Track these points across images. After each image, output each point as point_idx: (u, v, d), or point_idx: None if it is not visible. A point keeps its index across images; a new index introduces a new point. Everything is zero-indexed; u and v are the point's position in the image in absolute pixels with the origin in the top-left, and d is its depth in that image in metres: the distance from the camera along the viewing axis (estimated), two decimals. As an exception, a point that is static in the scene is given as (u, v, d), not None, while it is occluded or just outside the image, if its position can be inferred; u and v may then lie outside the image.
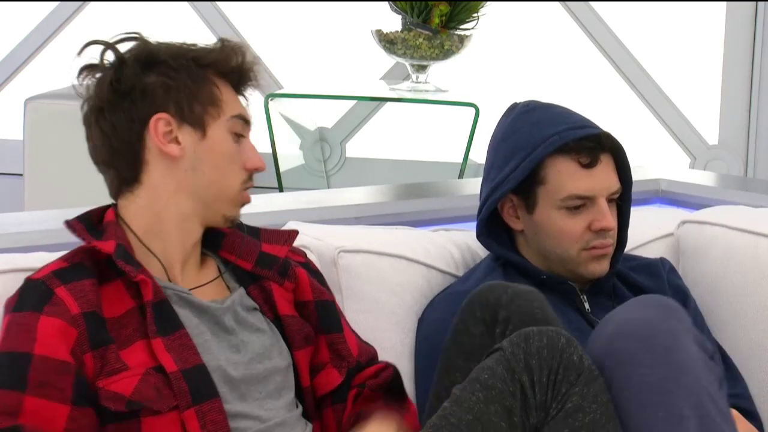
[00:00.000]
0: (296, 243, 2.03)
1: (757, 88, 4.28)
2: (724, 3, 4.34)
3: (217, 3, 4.74)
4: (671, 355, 1.63)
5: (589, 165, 1.94)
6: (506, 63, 4.47)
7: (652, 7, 4.48)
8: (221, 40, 1.69)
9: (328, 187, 4.38)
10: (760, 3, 4.24)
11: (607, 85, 4.50)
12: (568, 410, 1.58)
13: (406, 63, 3.77)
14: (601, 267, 1.97)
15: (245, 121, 1.70)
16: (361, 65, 4.54)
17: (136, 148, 1.64)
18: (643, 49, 4.48)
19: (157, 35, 1.69)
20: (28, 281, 1.60)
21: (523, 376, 1.58)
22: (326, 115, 4.55)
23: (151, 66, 1.64)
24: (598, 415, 1.59)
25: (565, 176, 1.94)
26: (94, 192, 4.56)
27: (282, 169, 4.00)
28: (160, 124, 1.63)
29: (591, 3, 4.46)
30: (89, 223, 1.68)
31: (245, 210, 2.39)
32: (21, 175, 4.02)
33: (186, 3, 4.78)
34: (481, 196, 2.02)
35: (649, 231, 2.25)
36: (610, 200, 1.97)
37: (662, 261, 2.12)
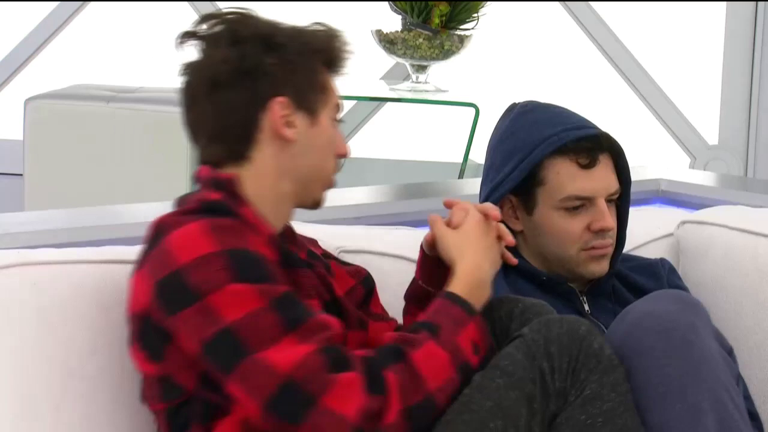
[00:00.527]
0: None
1: (757, 88, 4.28)
2: (725, 3, 4.34)
3: (217, 3, 4.75)
4: (691, 348, 1.64)
5: (588, 166, 1.94)
6: (506, 63, 4.47)
7: (653, 7, 4.48)
8: (321, 24, 1.71)
9: (329, 187, 4.37)
10: (760, 3, 4.24)
11: (607, 85, 4.51)
12: (586, 397, 1.58)
13: (406, 63, 3.77)
14: (601, 267, 1.97)
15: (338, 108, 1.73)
16: (361, 65, 4.54)
17: (250, 127, 1.64)
18: (643, 49, 4.49)
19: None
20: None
21: (543, 362, 1.58)
22: (326, 115, 4.55)
23: (272, 47, 1.64)
24: (617, 404, 1.59)
25: (564, 177, 1.94)
26: (94, 191, 4.57)
27: (282, 169, 4.00)
28: (279, 106, 1.64)
29: (591, 3, 4.46)
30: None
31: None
32: (21, 175, 4.02)
33: (186, 3, 4.78)
34: (480, 196, 2.02)
35: (649, 231, 2.25)
36: (609, 200, 1.97)
37: (662, 261, 2.12)
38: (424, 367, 1.55)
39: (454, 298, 1.64)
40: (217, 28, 1.66)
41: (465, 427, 1.55)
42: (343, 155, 1.71)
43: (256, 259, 1.55)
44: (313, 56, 1.68)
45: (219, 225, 1.57)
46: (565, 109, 1.99)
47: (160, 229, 1.61)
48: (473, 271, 1.67)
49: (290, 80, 1.64)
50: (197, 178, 1.70)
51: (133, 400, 1.76)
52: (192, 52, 1.67)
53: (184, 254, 1.55)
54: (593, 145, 1.94)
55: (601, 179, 1.94)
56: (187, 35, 1.68)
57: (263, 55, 1.64)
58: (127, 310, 1.62)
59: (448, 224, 1.72)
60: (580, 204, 1.94)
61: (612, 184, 1.96)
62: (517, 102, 2.03)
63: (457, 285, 1.65)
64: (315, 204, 1.72)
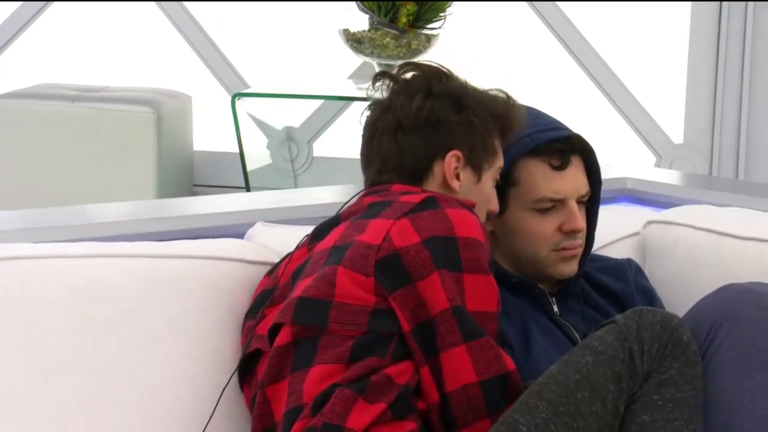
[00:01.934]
0: (260, 243, 2.03)
1: (721, 87, 4.31)
2: (689, 3, 4.37)
3: (184, 3, 4.72)
4: None
5: (561, 167, 1.95)
6: (473, 62, 4.48)
7: (619, 7, 4.51)
8: (503, 92, 1.87)
9: (296, 187, 4.37)
10: (724, 3, 4.27)
11: (574, 84, 4.53)
12: (663, 380, 1.64)
13: (374, 62, 3.77)
14: (571, 268, 1.98)
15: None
16: (329, 65, 4.54)
17: (425, 170, 1.82)
18: (610, 49, 4.51)
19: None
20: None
21: (634, 344, 1.64)
22: (293, 115, 4.55)
23: (460, 107, 1.82)
24: (689, 396, 1.64)
25: (537, 178, 1.94)
26: (59, 191, 4.54)
27: (249, 168, 4.00)
28: (453, 159, 1.81)
29: (558, 3, 4.48)
30: None
31: (212, 210, 2.39)
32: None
33: (153, 3, 4.75)
34: (450, 196, 2.02)
35: (615, 230, 2.26)
36: (579, 201, 1.97)
37: (629, 262, 2.13)
38: None
39: None
40: (414, 78, 1.84)
41: (553, 395, 1.61)
42: (494, 212, 1.89)
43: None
44: (490, 121, 1.84)
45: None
46: (537, 110, 2.00)
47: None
48: None
49: (467, 139, 1.82)
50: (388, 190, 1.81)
51: (111, 396, 1.76)
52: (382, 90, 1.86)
53: None
54: (565, 147, 1.95)
55: (572, 181, 1.95)
56: (386, 76, 1.86)
57: (450, 113, 1.82)
58: None
59: None
60: (552, 205, 1.95)
61: (583, 185, 1.97)
62: None
63: None
64: None
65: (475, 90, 1.86)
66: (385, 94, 1.86)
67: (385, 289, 1.67)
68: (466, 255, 1.69)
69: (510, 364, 1.69)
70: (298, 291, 1.73)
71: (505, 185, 1.95)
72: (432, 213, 1.71)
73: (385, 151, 1.82)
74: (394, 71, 1.87)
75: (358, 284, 1.68)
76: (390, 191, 1.79)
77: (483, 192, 1.84)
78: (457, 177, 1.82)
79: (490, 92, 1.87)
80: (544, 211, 1.95)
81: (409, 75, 1.85)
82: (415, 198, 1.73)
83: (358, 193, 1.84)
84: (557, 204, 1.95)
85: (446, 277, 1.67)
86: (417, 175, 1.81)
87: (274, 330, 1.73)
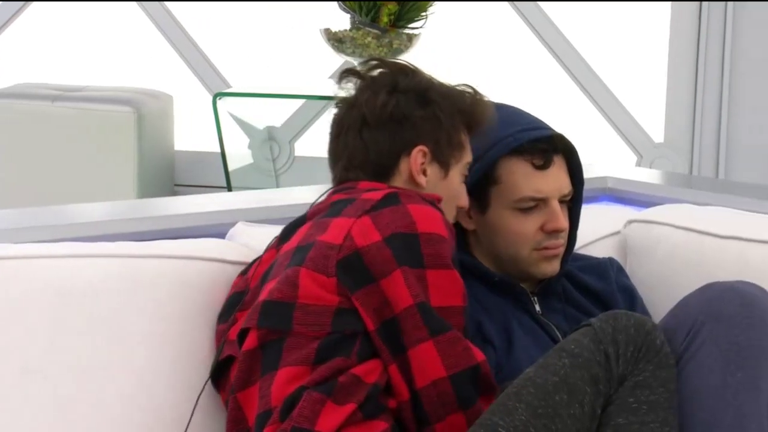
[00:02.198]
0: (242, 243, 2.02)
1: (701, 87, 4.33)
2: (669, 3, 4.38)
3: (165, 3, 4.71)
4: (765, 328, 1.69)
5: (543, 167, 1.95)
6: (455, 62, 4.48)
7: (600, 7, 4.52)
8: (469, 87, 1.86)
9: (277, 186, 4.37)
10: (704, 3, 4.29)
11: (555, 83, 4.53)
12: (638, 383, 1.64)
13: (355, 62, 3.77)
14: (552, 267, 1.98)
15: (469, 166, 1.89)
16: (310, 64, 4.53)
17: (390, 166, 1.81)
18: (591, 49, 4.52)
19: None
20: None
21: (609, 347, 1.64)
22: (275, 114, 4.54)
23: (424, 102, 1.82)
24: (663, 399, 1.65)
25: (519, 177, 1.94)
26: (40, 191, 4.51)
27: (231, 168, 3.99)
28: (419, 154, 1.81)
29: (539, 3, 4.49)
30: None
31: (193, 210, 2.38)
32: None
33: (134, 2, 4.74)
34: (432, 195, 2.02)
35: (596, 229, 2.26)
36: (561, 201, 1.98)
37: (610, 261, 2.13)
38: None
39: None
40: (380, 74, 1.84)
41: (532, 397, 1.61)
42: (464, 208, 1.89)
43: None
44: (457, 116, 1.84)
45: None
46: (519, 110, 2.00)
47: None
48: None
49: (433, 134, 1.81)
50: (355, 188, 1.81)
51: (89, 397, 1.75)
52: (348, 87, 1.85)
53: None
54: (548, 146, 1.95)
55: (554, 180, 1.95)
56: (352, 73, 1.85)
57: (415, 108, 1.81)
58: None
59: None
60: (534, 204, 1.95)
61: (565, 185, 1.97)
62: None
63: None
64: None
65: (441, 85, 1.85)
66: (353, 92, 1.85)
67: (348, 289, 1.67)
68: (428, 251, 1.68)
69: (479, 355, 1.69)
70: (263, 294, 1.73)
71: (487, 184, 1.95)
72: (393, 210, 1.70)
73: (350, 148, 1.81)
74: (360, 68, 1.86)
75: (321, 285, 1.67)
76: (356, 188, 1.79)
77: (451, 187, 1.84)
78: (424, 172, 1.81)
79: (457, 88, 1.86)
80: (526, 211, 1.95)
81: (376, 72, 1.84)
82: (377, 195, 1.73)
83: (326, 191, 1.84)
84: (539, 203, 1.95)
85: (409, 274, 1.67)
86: (383, 171, 1.81)
87: (243, 334, 1.73)
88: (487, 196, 1.96)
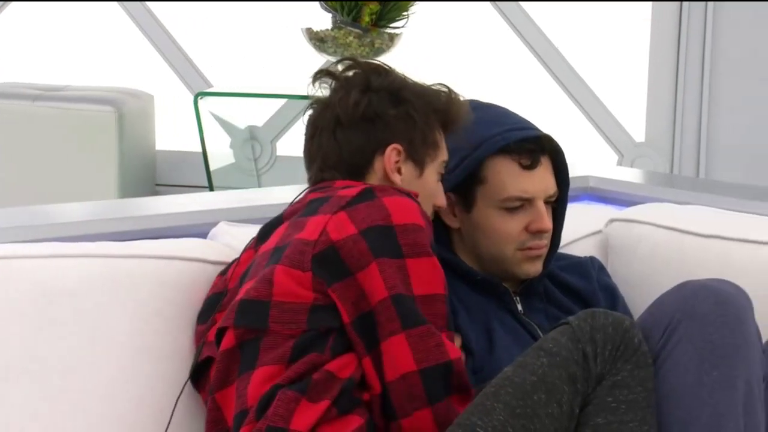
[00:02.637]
0: (223, 243, 2.02)
1: (682, 86, 4.34)
2: (650, 3, 4.40)
3: (147, 3, 4.70)
4: (740, 326, 1.69)
5: (530, 167, 1.95)
6: (437, 62, 4.49)
7: (581, 7, 4.53)
8: (445, 87, 1.86)
9: (259, 186, 4.36)
10: (684, 3, 4.30)
11: (537, 83, 4.54)
12: (616, 382, 1.64)
13: (337, 61, 3.77)
14: (535, 268, 1.98)
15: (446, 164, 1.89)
16: (292, 64, 4.53)
17: (364, 165, 1.81)
18: (572, 49, 4.53)
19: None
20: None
21: (587, 346, 1.64)
22: (256, 114, 4.53)
23: (398, 101, 1.82)
24: (640, 398, 1.65)
25: (506, 177, 1.95)
26: (20, 191, 4.48)
27: (212, 168, 3.98)
28: (393, 153, 1.81)
29: (521, 3, 4.50)
30: None
31: (174, 209, 2.37)
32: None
33: (115, 2, 4.72)
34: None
35: (578, 228, 2.27)
36: (546, 202, 1.98)
37: (592, 260, 2.14)
38: None
39: None
40: (354, 74, 1.84)
41: (510, 397, 1.61)
42: (440, 207, 1.88)
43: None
44: (431, 115, 1.84)
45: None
46: (507, 110, 2.00)
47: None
48: None
49: (406, 133, 1.81)
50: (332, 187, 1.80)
51: (69, 397, 1.74)
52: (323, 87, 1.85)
53: None
54: (535, 147, 1.95)
55: (541, 181, 1.95)
56: (325, 73, 1.85)
57: (388, 107, 1.81)
58: None
59: None
60: (520, 204, 1.95)
61: (551, 186, 1.97)
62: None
63: None
64: None
65: (415, 85, 1.85)
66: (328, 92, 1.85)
67: (324, 282, 1.66)
68: (406, 240, 1.68)
69: (453, 352, 1.68)
70: (241, 294, 1.73)
71: (473, 183, 1.95)
72: (368, 204, 1.70)
73: (325, 149, 1.82)
74: (334, 68, 1.86)
75: (296, 281, 1.67)
76: (332, 187, 1.79)
77: (426, 186, 1.83)
78: (399, 171, 1.81)
79: (432, 87, 1.86)
80: (511, 210, 1.95)
81: (350, 72, 1.84)
82: (352, 191, 1.73)
83: (302, 192, 1.84)
84: (525, 203, 1.95)
85: (386, 265, 1.66)
86: (358, 171, 1.81)
87: (220, 334, 1.73)
88: (472, 194, 1.96)
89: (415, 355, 1.64)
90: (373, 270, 1.66)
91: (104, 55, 4.77)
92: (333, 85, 1.84)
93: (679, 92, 4.35)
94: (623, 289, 2.14)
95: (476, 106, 1.99)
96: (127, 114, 4.20)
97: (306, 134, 1.85)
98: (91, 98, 4.23)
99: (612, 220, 2.30)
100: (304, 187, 1.86)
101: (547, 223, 1.96)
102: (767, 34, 4.25)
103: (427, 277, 1.69)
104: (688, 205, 2.42)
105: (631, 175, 3.04)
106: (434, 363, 1.65)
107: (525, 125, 1.97)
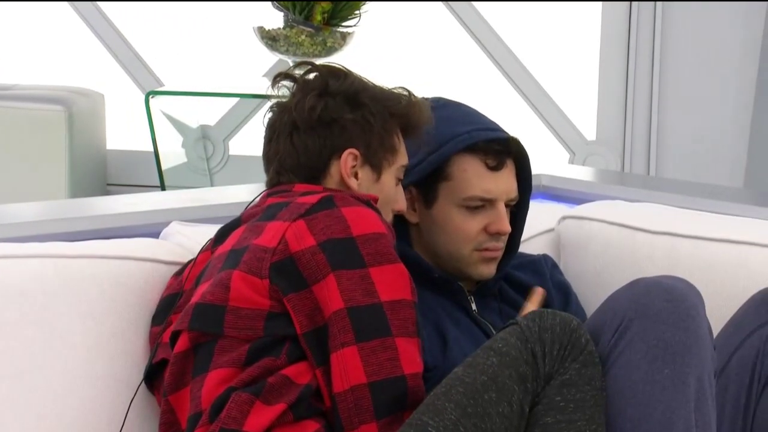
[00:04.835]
0: (176, 242, 2.01)
1: (632, 85, 4.38)
2: (600, 3, 4.43)
3: (98, 2, 4.66)
4: (692, 323, 1.70)
5: (495, 168, 1.95)
6: (389, 61, 4.49)
7: (532, 6, 4.56)
8: (406, 90, 1.86)
9: (212, 185, 4.34)
10: (634, 3, 4.34)
11: (489, 82, 4.56)
12: (564, 381, 1.65)
13: (289, 60, 3.76)
14: (489, 270, 1.99)
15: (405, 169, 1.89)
16: (243, 62, 4.51)
17: (321, 169, 1.80)
18: (524, 48, 4.55)
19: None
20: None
21: (536, 346, 1.64)
22: (208, 113, 4.51)
23: (355, 105, 1.80)
24: (589, 396, 1.65)
25: (471, 176, 1.95)
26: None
27: (164, 167, 3.95)
28: (350, 158, 1.80)
29: (473, 3, 4.51)
30: None
31: (126, 209, 2.36)
32: None
33: (65, 3, 4.68)
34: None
35: (531, 226, 2.28)
36: (507, 205, 1.99)
37: (545, 258, 2.15)
38: None
39: None
40: (312, 78, 1.83)
41: (461, 396, 1.60)
42: (399, 211, 1.88)
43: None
44: (390, 119, 1.82)
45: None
46: (476, 110, 2.01)
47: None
48: None
49: (363, 137, 1.80)
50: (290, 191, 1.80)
51: (19, 399, 1.73)
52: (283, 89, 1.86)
53: None
54: (503, 149, 1.96)
55: (504, 183, 1.96)
56: (284, 76, 1.86)
57: (344, 111, 1.80)
58: None
59: None
60: (481, 204, 1.96)
61: (513, 189, 1.98)
62: (426, 97, 2.03)
63: None
64: None
65: (374, 88, 1.84)
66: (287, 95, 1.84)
67: (281, 291, 1.65)
68: (368, 250, 1.67)
69: (410, 367, 1.65)
70: (196, 297, 1.72)
71: (437, 179, 1.95)
72: (327, 214, 1.68)
73: (282, 152, 1.81)
74: (293, 72, 1.86)
75: (253, 287, 1.66)
76: (291, 191, 1.78)
77: (384, 190, 1.83)
78: (356, 176, 1.80)
79: (393, 91, 1.85)
80: (472, 210, 1.96)
81: (310, 76, 1.83)
82: (312, 199, 1.71)
83: (260, 194, 1.83)
84: (486, 204, 1.96)
85: (344, 277, 1.65)
86: (315, 175, 1.80)
87: (174, 337, 1.72)
88: (435, 190, 1.96)
89: (366, 368, 1.62)
90: (330, 282, 1.65)
91: (54, 54, 4.73)
92: (293, 89, 1.83)
93: (629, 91, 4.39)
94: (576, 286, 2.15)
95: (445, 103, 1.99)
96: (77, 113, 4.16)
97: (264, 137, 1.85)
98: (40, 97, 4.18)
99: (564, 218, 2.32)
100: (258, 187, 1.86)
101: (506, 225, 1.97)
102: (716, 34, 4.30)
103: (393, 283, 1.68)
104: (639, 202, 2.44)
105: (583, 173, 3.06)
106: (385, 377, 1.63)
107: (493, 126, 1.98)
